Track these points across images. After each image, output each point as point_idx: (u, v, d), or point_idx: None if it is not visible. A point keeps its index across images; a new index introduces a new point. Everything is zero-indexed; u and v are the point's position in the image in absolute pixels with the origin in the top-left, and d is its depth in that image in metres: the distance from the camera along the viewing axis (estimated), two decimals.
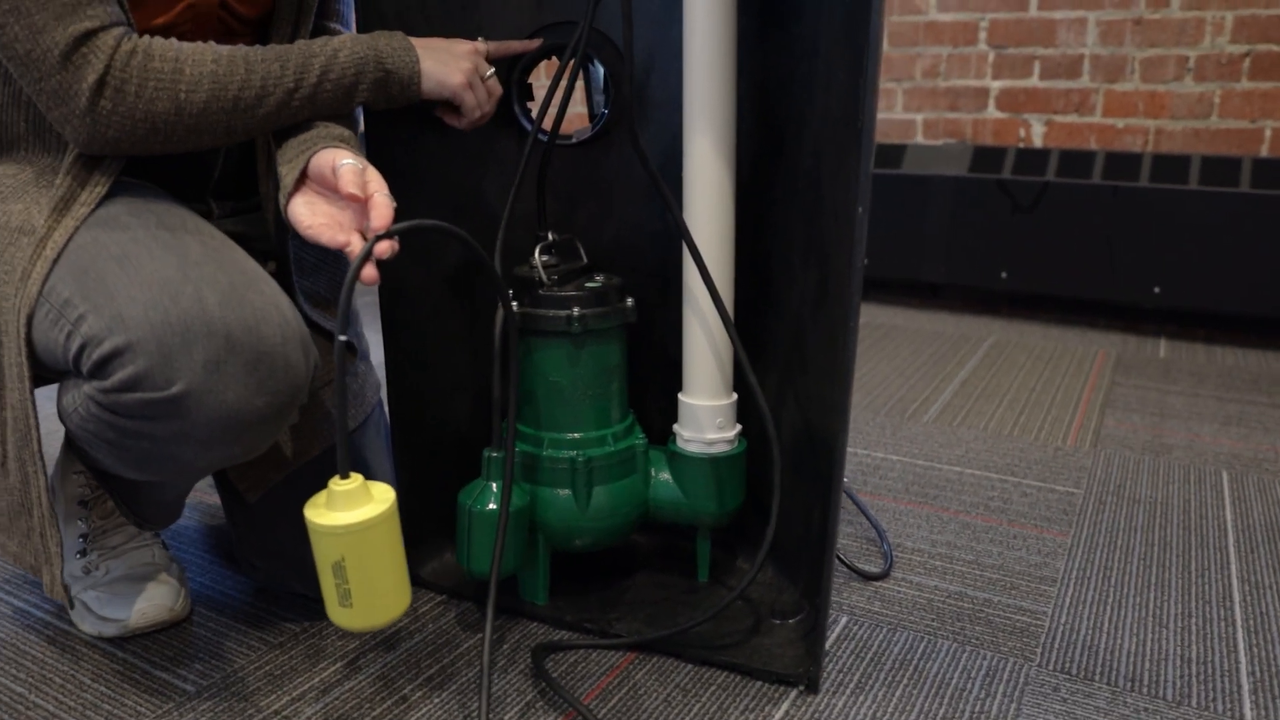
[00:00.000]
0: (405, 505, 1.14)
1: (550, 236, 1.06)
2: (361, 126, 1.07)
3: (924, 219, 2.49)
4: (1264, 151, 2.26)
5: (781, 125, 1.01)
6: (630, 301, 1.03)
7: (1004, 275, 2.42)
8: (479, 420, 1.18)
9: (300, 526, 1.04)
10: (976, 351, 2.19)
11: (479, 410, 1.18)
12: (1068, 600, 1.12)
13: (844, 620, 1.09)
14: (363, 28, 1.01)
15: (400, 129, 1.05)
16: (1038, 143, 2.49)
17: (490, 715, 0.91)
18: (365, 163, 0.88)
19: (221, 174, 1.06)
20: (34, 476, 0.89)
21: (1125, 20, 2.33)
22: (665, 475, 1.06)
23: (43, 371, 0.91)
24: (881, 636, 1.05)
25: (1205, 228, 2.17)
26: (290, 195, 0.90)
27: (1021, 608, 1.11)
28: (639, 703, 0.93)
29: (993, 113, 2.53)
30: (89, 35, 0.82)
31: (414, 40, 0.98)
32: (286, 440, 1.05)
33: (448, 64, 0.98)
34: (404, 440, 1.13)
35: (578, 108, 3.02)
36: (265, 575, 1.10)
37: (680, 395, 1.04)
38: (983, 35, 2.50)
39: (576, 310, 0.99)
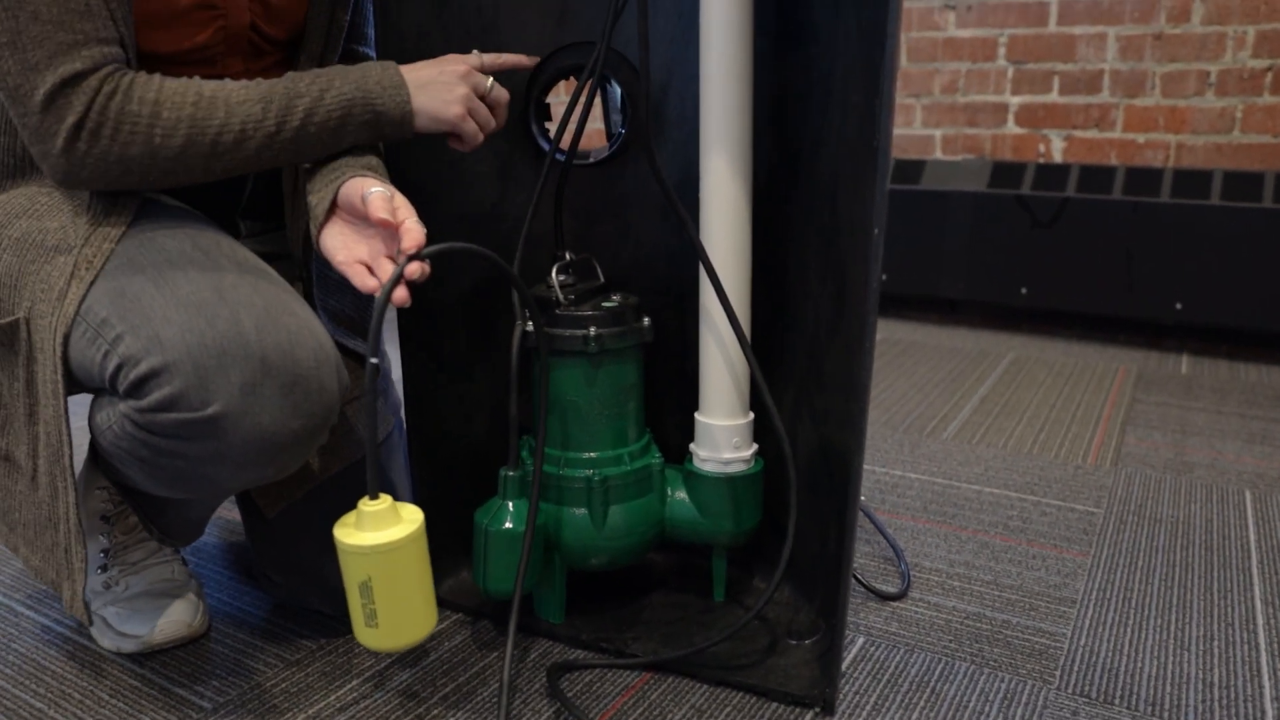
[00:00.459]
0: None
1: (567, 255, 1.06)
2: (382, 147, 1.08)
3: (943, 235, 2.48)
4: None
5: (798, 144, 1.01)
6: (647, 321, 1.04)
7: (1024, 291, 2.41)
8: (496, 438, 1.18)
9: (319, 542, 1.05)
10: (996, 368, 2.18)
11: (496, 428, 1.18)
12: (1087, 622, 1.11)
13: (861, 641, 1.08)
14: (381, 46, 1.02)
15: (418, 148, 1.06)
16: (1057, 158, 2.48)
17: None
18: (393, 189, 0.89)
19: (251, 194, 1.07)
20: (64, 492, 0.90)
21: (1145, 35, 2.32)
22: (682, 494, 1.06)
23: (74, 385, 0.93)
24: (898, 658, 1.05)
25: (1227, 243, 2.16)
26: (321, 226, 0.91)
27: (1040, 629, 1.10)
28: None
29: (1012, 128, 2.53)
30: (76, 78, 0.82)
31: (406, 70, 0.95)
32: (310, 457, 1.06)
33: (442, 96, 0.95)
34: (422, 458, 1.13)
35: (595, 124, 3.03)
36: (284, 591, 1.11)
37: (697, 415, 1.04)
38: (1002, 51, 2.50)
39: (593, 330, 0.99)
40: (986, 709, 0.96)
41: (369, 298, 1.20)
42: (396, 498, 1.11)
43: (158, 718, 0.95)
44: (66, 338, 0.87)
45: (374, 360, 0.80)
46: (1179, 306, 2.24)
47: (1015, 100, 2.51)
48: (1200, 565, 1.25)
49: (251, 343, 0.83)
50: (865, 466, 1.59)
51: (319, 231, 0.91)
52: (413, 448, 1.12)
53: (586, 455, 1.03)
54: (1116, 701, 0.97)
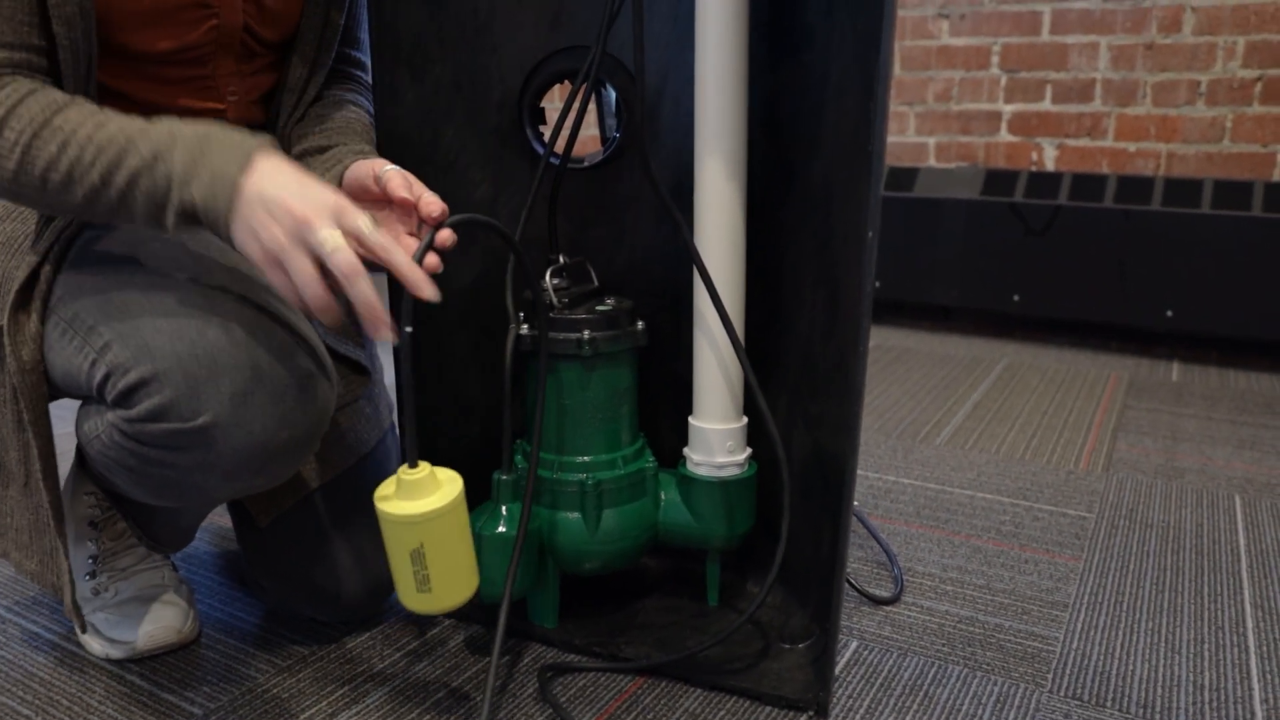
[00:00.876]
0: None
1: (561, 259, 1.06)
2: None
3: (936, 242, 2.49)
4: (1276, 175, 2.25)
5: (793, 149, 1.01)
6: (641, 325, 1.04)
7: (1016, 298, 2.42)
8: (489, 442, 1.18)
9: (311, 549, 1.05)
10: (989, 375, 2.18)
11: (488, 432, 1.18)
12: (1079, 626, 1.11)
13: (854, 645, 1.08)
14: (377, 53, 1.02)
15: (407, 150, 1.06)
16: (1050, 166, 2.49)
17: None
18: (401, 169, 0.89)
19: None
20: (47, 498, 0.89)
21: (1137, 45, 2.33)
22: (675, 498, 1.06)
23: (55, 392, 0.92)
24: (891, 661, 1.05)
25: (1218, 251, 2.17)
26: None
27: (1033, 633, 1.10)
28: None
29: (1005, 136, 2.54)
30: None
31: (267, 161, 0.77)
32: (303, 465, 1.05)
33: (256, 225, 0.75)
34: (414, 462, 1.13)
35: (590, 129, 3.03)
36: (275, 597, 1.10)
37: (690, 419, 1.04)
38: (995, 59, 2.51)
39: (587, 333, 0.99)
40: (979, 712, 0.96)
41: None
42: None
43: None
44: (41, 336, 0.86)
45: (408, 329, 0.81)
46: (1170, 314, 2.25)
47: (1008, 108, 2.52)
48: (1191, 569, 1.25)
49: (242, 351, 0.81)
50: (859, 471, 1.59)
51: None
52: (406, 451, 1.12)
53: (580, 459, 1.03)
54: (1108, 704, 0.97)
